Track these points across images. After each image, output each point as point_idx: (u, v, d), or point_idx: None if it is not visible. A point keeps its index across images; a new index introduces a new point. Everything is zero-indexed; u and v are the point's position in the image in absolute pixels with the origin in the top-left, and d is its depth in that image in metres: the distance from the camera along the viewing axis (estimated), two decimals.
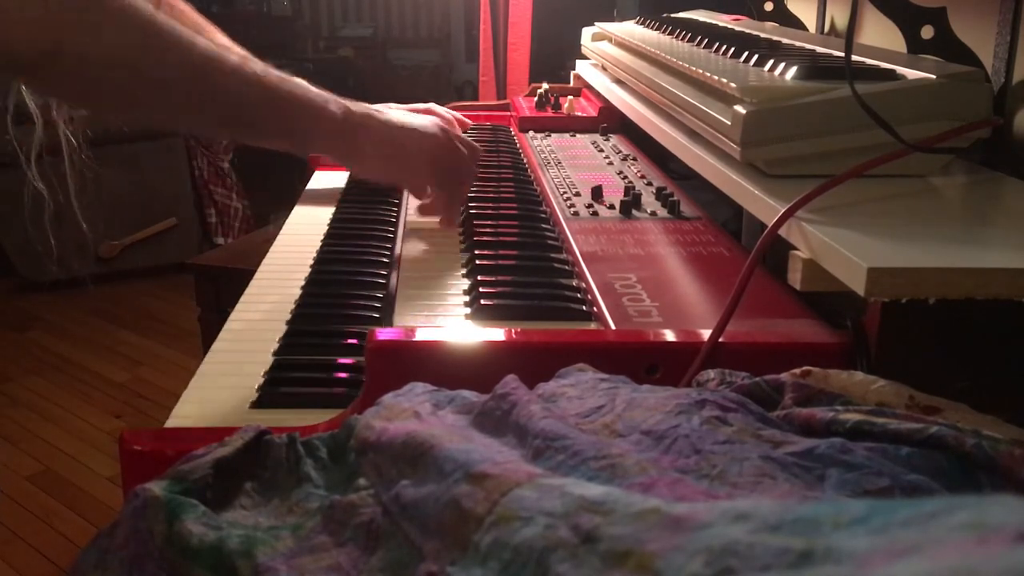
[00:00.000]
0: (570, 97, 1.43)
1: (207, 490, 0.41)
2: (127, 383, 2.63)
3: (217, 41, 1.13)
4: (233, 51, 0.77)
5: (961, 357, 0.57)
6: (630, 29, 1.29)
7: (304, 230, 1.00)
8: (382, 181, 0.86)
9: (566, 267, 0.80)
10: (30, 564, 1.87)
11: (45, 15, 0.66)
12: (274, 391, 0.65)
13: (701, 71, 0.84)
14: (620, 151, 1.22)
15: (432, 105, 1.36)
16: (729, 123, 0.73)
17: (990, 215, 0.72)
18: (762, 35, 1.09)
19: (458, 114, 1.36)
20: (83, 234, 0.96)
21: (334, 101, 0.81)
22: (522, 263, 0.83)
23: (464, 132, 1.34)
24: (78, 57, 0.68)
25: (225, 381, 0.67)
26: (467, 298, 0.75)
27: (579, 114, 1.38)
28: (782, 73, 0.78)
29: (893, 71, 0.78)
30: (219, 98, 0.76)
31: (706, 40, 1.01)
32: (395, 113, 0.85)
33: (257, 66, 0.77)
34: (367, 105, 0.84)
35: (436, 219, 0.94)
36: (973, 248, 0.61)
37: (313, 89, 0.80)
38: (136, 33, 0.70)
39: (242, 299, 0.83)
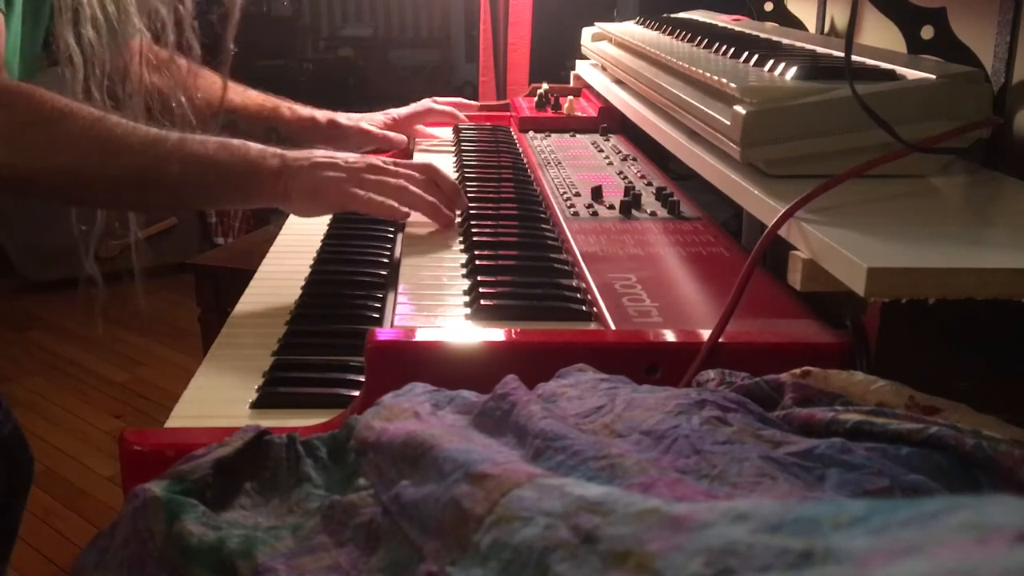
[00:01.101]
0: (570, 97, 1.43)
1: (207, 490, 0.41)
2: (127, 383, 2.63)
3: (243, 96, 1.19)
4: (172, 134, 0.82)
5: (961, 357, 0.57)
6: (630, 29, 1.29)
7: (304, 230, 1.00)
8: (311, 217, 0.92)
9: (566, 267, 0.80)
10: (30, 564, 1.87)
11: (3, 134, 0.73)
12: (274, 391, 0.65)
13: (701, 71, 0.84)
14: (620, 151, 1.22)
15: (427, 101, 1.37)
16: (729, 123, 0.73)
17: (990, 215, 0.72)
18: (762, 35, 1.09)
19: (457, 101, 1.39)
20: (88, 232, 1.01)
21: (273, 154, 0.85)
22: (522, 263, 0.83)
23: (463, 120, 1.38)
24: (33, 173, 0.76)
25: (225, 381, 0.67)
26: (467, 298, 0.75)
27: (579, 114, 1.38)
28: (782, 73, 0.78)
29: (893, 71, 0.78)
30: (164, 186, 0.82)
31: (706, 40, 1.01)
32: (321, 160, 0.89)
33: (195, 144, 0.83)
34: (298, 152, 0.89)
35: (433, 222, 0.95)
36: (973, 248, 0.61)
37: (252, 148, 0.86)
38: (81, 143, 0.77)
39: (242, 299, 0.83)
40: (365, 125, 1.26)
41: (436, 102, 1.38)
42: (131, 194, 0.82)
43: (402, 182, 0.91)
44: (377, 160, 0.92)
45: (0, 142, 0.73)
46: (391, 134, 1.27)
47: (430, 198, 0.92)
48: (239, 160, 0.84)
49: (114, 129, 0.79)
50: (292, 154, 0.87)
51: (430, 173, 0.94)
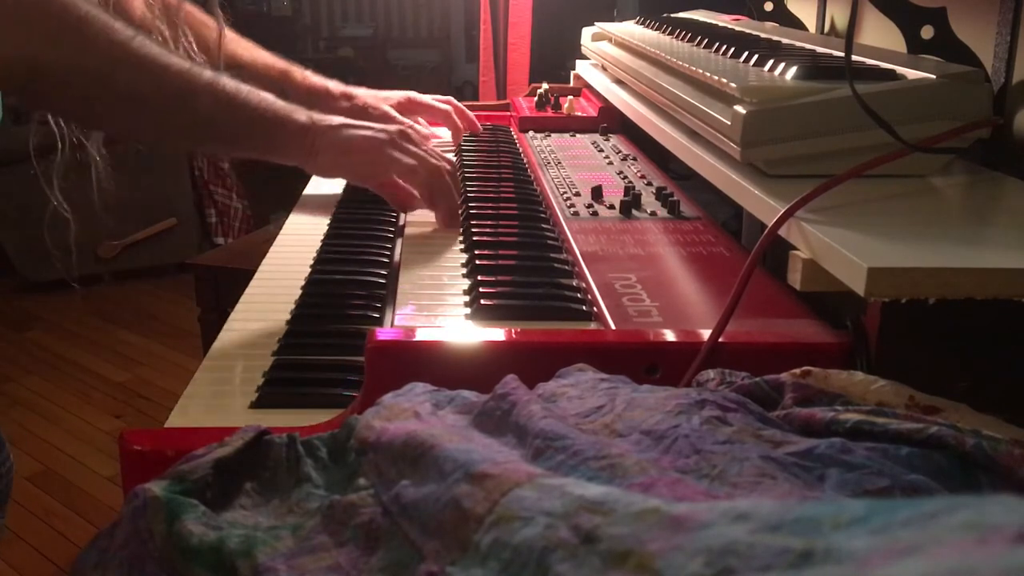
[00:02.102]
0: (570, 97, 1.43)
1: (207, 490, 0.41)
2: (127, 383, 2.63)
3: (252, 53, 1.15)
4: (206, 70, 0.81)
5: (961, 357, 0.57)
6: (630, 29, 1.29)
7: (304, 230, 1.00)
8: (333, 177, 0.90)
9: (566, 267, 0.80)
10: (30, 564, 1.87)
11: (21, 36, 0.71)
12: (274, 391, 0.65)
13: (701, 71, 0.84)
14: (620, 151, 1.22)
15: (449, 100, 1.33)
16: (729, 123, 0.73)
17: (990, 215, 0.72)
18: (762, 35, 1.09)
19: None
20: (93, 233, 1.00)
21: (301, 111, 0.84)
22: (522, 263, 0.83)
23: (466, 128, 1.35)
24: (61, 77, 0.73)
25: (225, 381, 0.67)
26: (467, 298, 0.75)
27: (579, 114, 1.38)
28: (782, 73, 0.78)
29: (893, 71, 0.78)
30: (191, 116, 0.80)
31: (706, 40, 1.01)
32: (352, 122, 0.87)
33: (229, 84, 0.81)
34: (325, 115, 0.88)
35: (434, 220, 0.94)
36: (973, 248, 0.61)
37: (280, 101, 0.84)
38: (111, 55, 0.75)
39: (242, 299, 0.83)
40: (387, 108, 1.21)
41: (455, 107, 1.32)
42: (155, 117, 0.80)
43: (441, 165, 0.89)
44: (409, 129, 0.91)
45: (35, 36, 0.71)
46: (416, 125, 1.21)
47: (455, 197, 0.91)
48: (269, 108, 0.83)
49: (149, 49, 0.77)
50: (320, 115, 0.86)
51: (453, 170, 0.93)
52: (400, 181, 0.86)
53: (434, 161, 0.89)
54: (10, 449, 0.89)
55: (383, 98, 1.23)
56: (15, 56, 0.70)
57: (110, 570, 0.40)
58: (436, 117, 1.29)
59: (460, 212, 0.95)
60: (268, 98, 0.84)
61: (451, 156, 1.25)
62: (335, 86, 1.20)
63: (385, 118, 1.18)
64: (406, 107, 1.26)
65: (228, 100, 0.80)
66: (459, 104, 1.34)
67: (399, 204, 0.89)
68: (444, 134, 1.37)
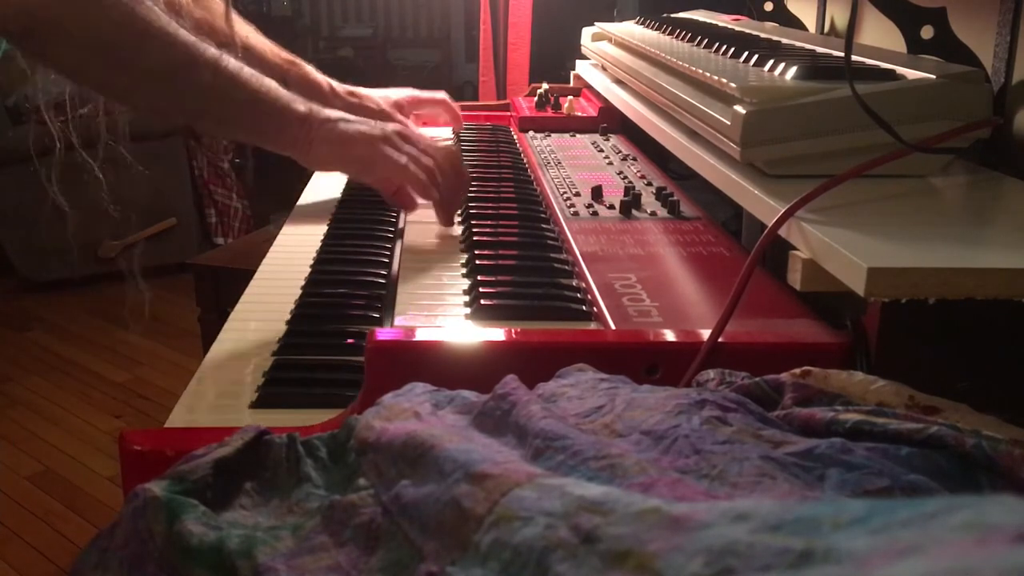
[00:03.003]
0: (570, 97, 1.43)
1: (207, 490, 0.41)
2: (127, 383, 2.63)
3: (253, 38, 1.14)
4: (211, 47, 0.80)
5: (961, 357, 0.57)
6: (630, 29, 1.29)
7: (304, 230, 1.00)
8: (326, 171, 0.89)
9: (566, 267, 0.80)
10: (30, 564, 1.87)
11: None
12: (274, 391, 0.65)
13: (701, 71, 0.84)
14: (620, 151, 1.22)
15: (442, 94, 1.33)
16: (729, 123, 0.73)
17: (990, 215, 0.72)
18: (762, 35, 1.08)
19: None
20: (91, 232, 0.99)
21: (301, 101, 0.83)
22: (522, 263, 0.83)
23: (459, 130, 1.35)
24: (62, 32, 0.72)
25: (225, 381, 0.67)
26: (467, 298, 0.75)
27: (579, 114, 1.38)
28: (782, 73, 0.78)
29: (893, 71, 0.78)
30: (194, 91, 0.79)
31: (706, 40, 1.01)
32: (349, 117, 0.87)
33: (232, 64, 0.80)
34: (325, 108, 0.87)
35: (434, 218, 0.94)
36: (973, 248, 0.61)
37: (283, 89, 0.83)
38: (117, 18, 0.74)
39: (242, 299, 0.83)
40: (385, 105, 1.20)
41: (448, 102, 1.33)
42: (155, 87, 0.79)
43: (432, 163, 0.89)
44: (405, 128, 0.91)
45: None
46: (410, 124, 1.21)
47: (449, 191, 0.90)
48: (269, 93, 0.82)
49: (157, 17, 0.76)
50: (319, 107, 0.86)
51: (454, 161, 0.92)
52: (410, 165, 0.86)
53: (426, 159, 0.89)
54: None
55: (383, 97, 1.23)
56: (15, 5, 0.70)
57: (110, 570, 0.40)
58: (435, 108, 1.30)
59: (460, 207, 0.95)
60: (270, 84, 0.83)
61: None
62: (337, 85, 1.19)
63: (383, 115, 1.18)
64: (407, 106, 1.26)
65: (229, 78, 0.79)
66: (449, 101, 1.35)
67: (400, 204, 0.89)
68: (443, 134, 1.37)
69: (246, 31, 1.15)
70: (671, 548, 0.24)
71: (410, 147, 0.88)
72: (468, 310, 0.72)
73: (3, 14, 0.70)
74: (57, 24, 0.72)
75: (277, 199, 1.75)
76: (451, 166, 0.91)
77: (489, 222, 0.92)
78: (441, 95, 1.31)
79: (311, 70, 1.18)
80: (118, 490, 1.99)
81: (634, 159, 1.17)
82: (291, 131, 0.83)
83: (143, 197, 3.19)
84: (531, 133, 1.33)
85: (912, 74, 0.76)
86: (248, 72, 0.81)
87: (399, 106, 1.25)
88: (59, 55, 0.76)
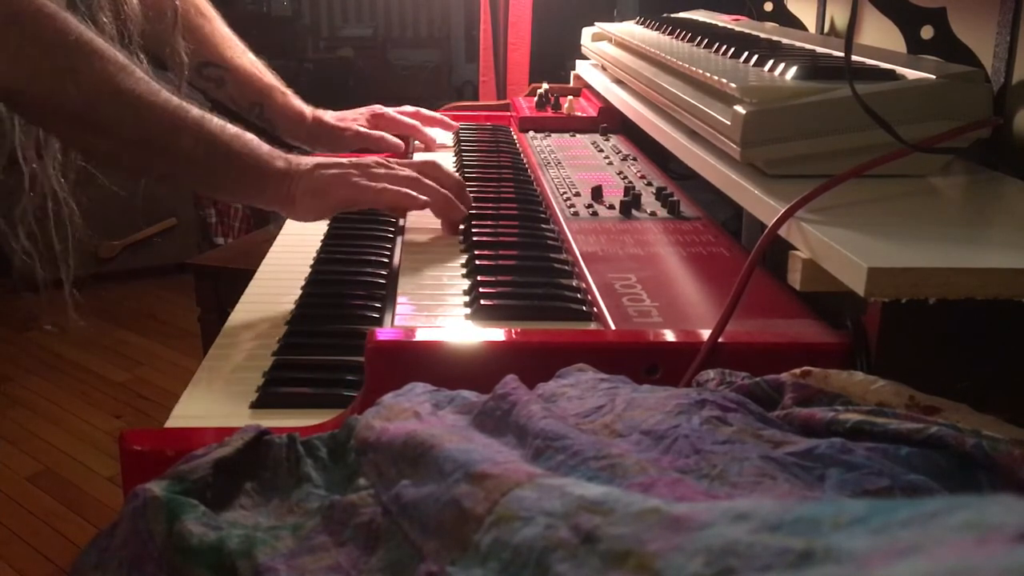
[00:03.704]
0: (570, 97, 1.43)
1: (207, 490, 0.41)
2: (127, 383, 2.63)
3: (240, 59, 1.15)
4: (193, 108, 0.81)
5: (961, 357, 0.57)
6: (630, 29, 1.29)
7: (304, 230, 1.00)
8: (313, 221, 0.91)
9: (566, 267, 0.80)
10: (30, 564, 1.87)
11: (19, 56, 0.72)
12: (274, 391, 0.65)
13: (701, 71, 0.84)
14: (620, 151, 1.22)
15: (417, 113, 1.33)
16: (729, 123, 0.73)
17: (990, 215, 0.72)
18: (762, 35, 1.09)
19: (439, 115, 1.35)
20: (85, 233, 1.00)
21: (280, 157, 0.85)
22: (522, 263, 0.83)
23: (453, 131, 1.35)
24: (46, 107, 0.75)
25: (225, 381, 0.67)
26: (467, 298, 0.75)
27: (579, 114, 1.38)
28: (782, 73, 0.78)
29: (893, 71, 0.78)
30: (174, 157, 0.81)
31: (706, 40, 1.01)
32: (324, 162, 0.88)
33: (214, 125, 0.82)
34: (302, 156, 0.88)
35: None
36: (973, 248, 0.61)
37: (264, 146, 0.84)
38: (95, 88, 0.75)
39: (242, 299, 0.83)
40: (357, 127, 1.22)
41: (422, 116, 1.33)
42: (136, 153, 0.80)
43: (412, 173, 0.89)
44: (380, 158, 0.91)
45: (17, 65, 0.72)
46: (387, 136, 1.23)
47: (443, 191, 0.90)
48: (250, 154, 0.83)
49: (138, 83, 0.77)
50: (296, 158, 0.87)
51: (433, 170, 0.92)
52: (388, 186, 0.86)
53: (404, 172, 0.89)
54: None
55: (352, 118, 1.25)
56: (8, 74, 0.71)
57: (110, 570, 0.40)
58: (402, 131, 1.29)
59: (463, 212, 0.94)
60: (252, 142, 0.84)
61: (450, 157, 1.25)
62: (309, 111, 1.21)
63: (367, 140, 1.20)
64: (374, 122, 1.27)
65: (211, 142, 0.81)
66: (427, 112, 1.35)
67: (402, 205, 0.89)
68: (440, 133, 1.37)
69: (232, 49, 1.16)
70: (671, 548, 0.24)
71: (385, 171, 0.89)
72: (468, 310, 0.72)
73: None
74: (39, 101, 0.74)
75: None
76: (432, 174, 0.91)
77: (489, 222, 0.92)
78: (411, 120, 1.30)
79: (290, 96, 1.20)
80: (118, 490, 1.99)
81: (634, 159, 1.17)
82: (272, 190, 0.85)
83: (143, 197, 3.19)
84: (531, 133, 1.33)
85: (912, 74, 0.76)
86: (229, 133, 0.82)
87: (369, 124, 1.25)
88: (45, 124, 0.80)
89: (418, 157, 1.26)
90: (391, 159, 0.92)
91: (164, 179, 0.87)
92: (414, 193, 0.88)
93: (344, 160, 0.89)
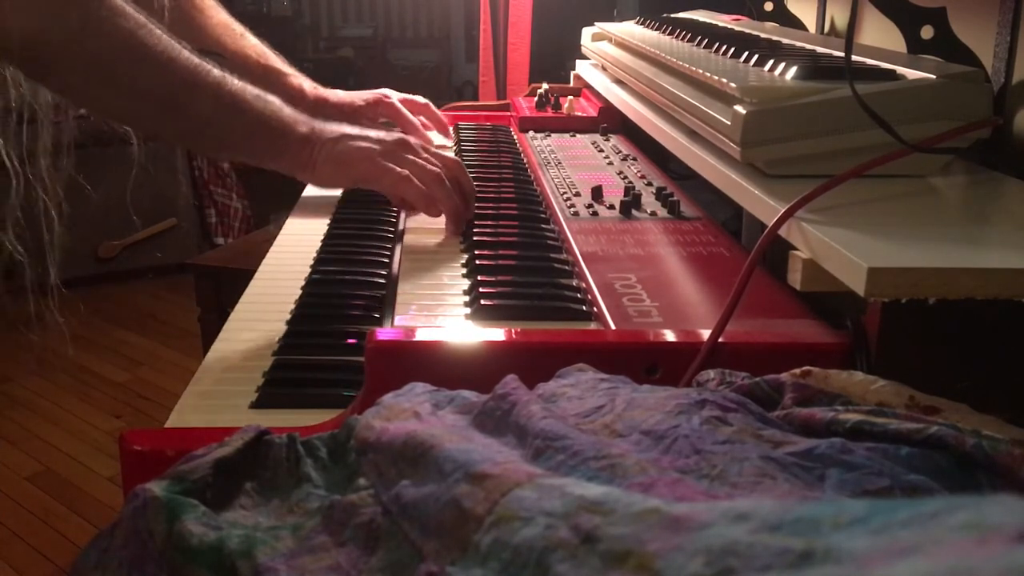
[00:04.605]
0: (570, 97, 1.43)
1: (207, 490, 0.41)
2: (127, 383, 2.63)
3: (238, 43, 1.14)
4: (215, 68, 0.80)
5: (961, 357, 0.57)
6: (630, 29, 1.29)
7: (304, 230, 1.00)
8: (332, 188, 0.90)
9: (566, 267, 0.80)
10: (30, 564, 1.87)
11: (42, 7, 0.69)
12: (274, 391, 0.65)
13: (701, 71, 0.84)
14: (620, 151, 1.22)
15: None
16: (729, 123, 0.73)
17: (990, 215, 0.72)
18: (762, 35, 1.08)
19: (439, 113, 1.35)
20: (83, 234, 0.99)
21: (304, 123, 0.83)
22: (522, 263, 0.83)
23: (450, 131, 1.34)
24: (63, 59, 0.73)
25: (225, 381, 0.67)
26: (467, 298, 0.75)
27: (579, 114, 1.38)
28: (782, 73, 0.78)
29: (893, 71, 0.78)
30: (194, 115, 0.80)
31: (706, 40, 1.01)
32: (352, 132, 0.86)
33: (235, 86, 0.80)
34: (328, 123, 0.86)
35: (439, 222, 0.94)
36: (973, 248, 0.61)
37: (286, 109, 0.83)
38: (116, 45, 0.74)
39: (242, 299, 0.83)
40: (357, 104, 1.20)
41: (429, 112, 1.32)
42: (154, 112, 0.79)
43: (437, 170, 0.88)
44: (410, 138, 0.90)
45: (40, 9, 0.70)
46: (409, 114, 1.20)
47: (457, 199, 0.89)
48: (272, 116, 0.82)
49: (159, 39, 0.76)
50: (322, 125, 0.85)
51: (459, 171, 0.91)
52: (412, 178, 0.85)
53: (431, 167, 0.88)
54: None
55: (355, 100, 1.23)
56: (14, 26, 0.70)
57: (110, 570, 0.40)
58: (401, 124, 1.26)
59: (469, 217, 0.94)
60: (273, 104, 0.83)
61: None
62: (311, 89, 1.19)
63: (354, 116, 1.17)
64: (376, 107, 1.25)
65: (231, 103, 0.79)
66: (435, 111, 1.34)
67: (419, 206, 0.88)
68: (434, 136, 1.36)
69: (231, 34, 1.15)
70: (671, 548, 0.24)
71: (413, 157, 0.88)
72: (468, 310, 0.72)
73: (5, 41, 0.70)
74: (58, 51, 0.73)
75: (277, 199, 1.75)
76: (455, 176, 0.91)
77: (489, 222, 0.92)
78: (414, 117, 1.29)
79: (292, 76, 1.17)
80: (118, 490, 1.99)
81: (634, 159, 1.17)
82: (293, 154, 0.84)
83: (143, 197, 3.19)
84: (531, 133, 1.33)
85: (912, 74, 0.76)
86: (251, 93, 0.81)
87: (371, 107, 1.23)
88: (60, 80, 0.77)
89: None
90: (418, 143, 0.91)
91: (182, 139, 0.86)
92: (431, 196, 0.87)
93: (374, 134, 0.87)
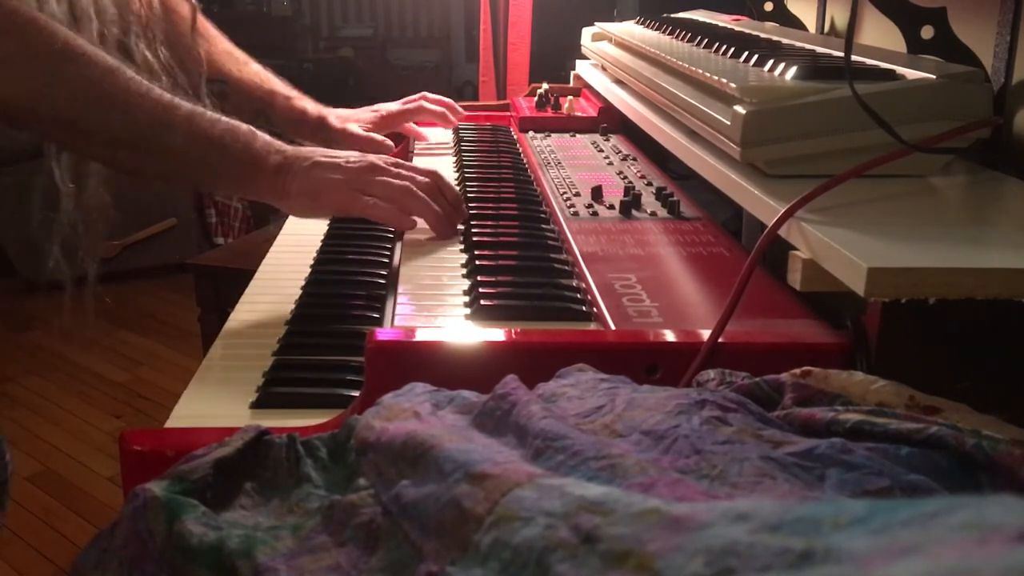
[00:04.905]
0: (570, 97, 1.43)
1: (207, 490, 0.41)
2: (127, 383, 2.63)
3: (242, 71, 1.16)
4: (184, 103, 0.82)
5: (961, 357, 0.57)
6: (630, 29, 1.29)
7: (304, 230, 1.00)
8: (307, 218, 0.91)
9: (566, 267, 0.80)
10: (30, 564, 1.87)
11: (8, 65, 0.73)
12: (274, 391, 0.65)
13: (701, 71, 0.84)
14: (620, 151, 1.22)
15: (420, 99, 1.35)
16: (729, 123, 0.73)
17: (990, 215, 0.72)
18: (762, 35, 1.09)
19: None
20: (81, 234, 1.00)
21: (276, 151, 0.84)
22: (522, 263, 0.83)
23: (458, 121, 1.36)
24: (31, 110, 0.76)
25: (225, 381, 0.67)
26: (467, 298, 0.75)
27: (579, 114, 1.38)
28: (782, 73, 0.78)
29: (893, 71, 0.78)
30: (164, 155, 0.81)
31: (706, 40, 1.01)
32: (323, 160, 0.87)
33: (205, 120, 0.82)
34: (300, 149, 0.87)
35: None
36: (973, 248, 0.61)
37: (258, 139, 0.84)
38: (81, 92, 0.76)
39: (242, 299, 0.83)
40: (351, 127, 1.22)
41: (427, 100, 1.34)
42: (128, 154, 0.81)
43: (406, 184, 0.89)
44: (379, 160, 0.91)
45: (2, 66, 0.73)
46: (377, 137, 1.23)
47: (435, 206, 0.89)
48: (243, 149, 0.83)
49: (127, 84, 0.78)
50: (294, 152, 0.86)
51: (434, 179, 0.92)
52: (379, 202, 0.86)
53: (398, 183, 0.88)
54: (8, 448, 0.89)
55: (355, 118, 1.26)
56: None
57: (110, 570, 0.40)
58: (408, 119, 1.32)
59: (459, 221, 0.94)
60: (243, 137, 0.83)
61: (450, 157, 1.25)
62: (313, 109, 1.21)
63: (357, 142, 1.19)
64: (380, 124, 1.28)
65: (203, 137, 0.81)
66: (432, 97, 1.36)
67: (390, 223, 0.90)
68: (432, 134, 1.37)
69: (234, 61, 1.17)
70: (671, 548, 0.24)
71: (382, 178, 0.88)
72: (468, 310, 0.72)
73: None
74: (27, 108, 0.76)
75: None
76: (433, 184, 0.91)
77: (489, 222, 0.92)
78: (411, 104, 1.32)
79: (294, 99, 1.20)
80: (118, 490, 1.99)
81: (634, 159, 1.17)
82: (267, 185, 0.84)
83: (143, 197, 3.19)
84: (531, 133, 1.33)
85: (912, 74, 0.76)
86: (221, 128, 0.82)
87: (375, 126, 1.26)
88: (37, 131, 0.81)
89: (418, 160, 1.26)
90: (391, 161, 0.92)
91: (161, 177, 0.87)
92: (400, 213, 0.88)
93: (342, 161, 0.88)
